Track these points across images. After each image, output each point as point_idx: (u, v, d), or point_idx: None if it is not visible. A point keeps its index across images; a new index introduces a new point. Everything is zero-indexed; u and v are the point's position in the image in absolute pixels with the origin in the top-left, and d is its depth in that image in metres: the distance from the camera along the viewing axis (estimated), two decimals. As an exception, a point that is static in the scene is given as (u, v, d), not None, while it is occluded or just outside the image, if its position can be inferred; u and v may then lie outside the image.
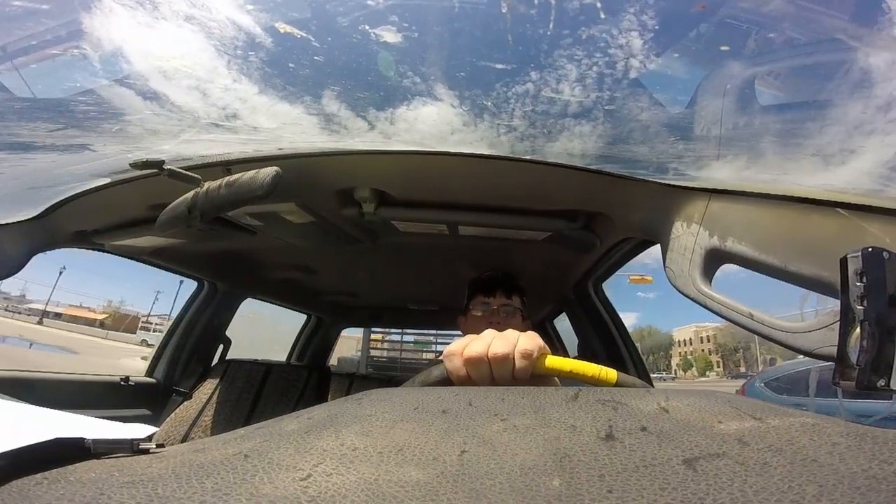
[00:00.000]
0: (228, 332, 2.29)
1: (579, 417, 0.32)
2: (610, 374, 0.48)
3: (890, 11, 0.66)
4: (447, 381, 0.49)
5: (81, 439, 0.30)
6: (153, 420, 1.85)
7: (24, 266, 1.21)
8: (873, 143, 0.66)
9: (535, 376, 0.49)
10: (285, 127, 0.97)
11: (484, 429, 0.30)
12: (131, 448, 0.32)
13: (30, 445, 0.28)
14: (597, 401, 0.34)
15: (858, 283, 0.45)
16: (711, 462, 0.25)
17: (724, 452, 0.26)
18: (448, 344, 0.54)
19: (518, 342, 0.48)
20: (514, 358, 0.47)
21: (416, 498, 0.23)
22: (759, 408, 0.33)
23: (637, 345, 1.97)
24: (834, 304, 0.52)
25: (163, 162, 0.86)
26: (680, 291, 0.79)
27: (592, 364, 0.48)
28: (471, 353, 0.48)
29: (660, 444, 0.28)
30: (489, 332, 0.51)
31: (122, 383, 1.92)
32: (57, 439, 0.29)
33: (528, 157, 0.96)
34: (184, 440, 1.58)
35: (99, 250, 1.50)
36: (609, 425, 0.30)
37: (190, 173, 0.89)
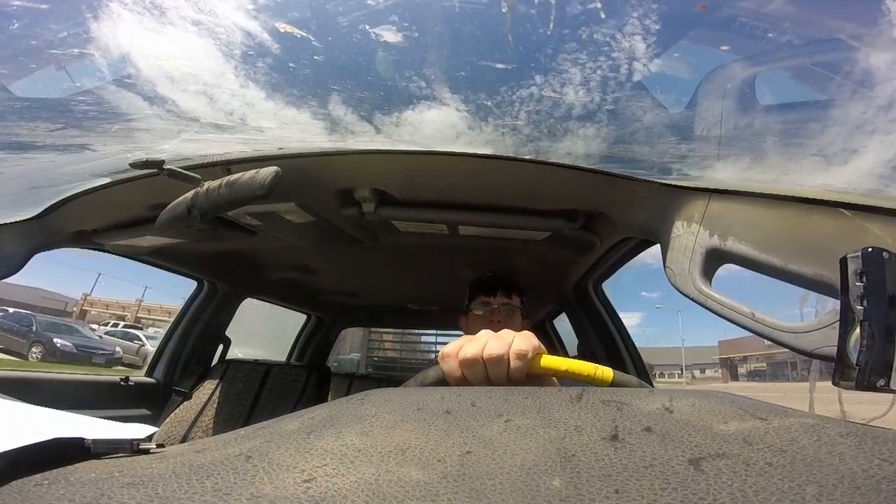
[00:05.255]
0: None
1: (583, 418, 0.32)
2: (606, 372, 0.48)
3: (890, 13, 0.66)
4: (443, 382, 0.49)
5: (81, 439, 0.30)
6: (153, 420, 1.85)
7: (23, 266, 1.21)
8: (875, 142, 0.66)
9: (531, 376, 0.49)
10: (286, 127, 0.97)
11: (487, 429, 0.30)
12: (131, 448, 0.32)
13: (30, 445, 0.28)
14: (600, 401, 0.34)
15: (858, 283, 0.45)
16: (716, 462, 0.25)
17: (728, 452, 0.26)
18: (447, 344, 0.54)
19: (513, 342, 0.48)
20: (508, 358, 0.47)
21: (416, 498, 0.23)
22: (761, 408, 0.33)
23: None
24: (834, 305, 0.52)
25: (163, 162, 0.86)
26: (680, 291, 0.79)
27: (588, 363, 0.48)
28: (466, 355, 0.48)
29: (665, 444, 0.28)
30: (484, 333, 0.51)
31: (122, 383, 1.93)
32: (57, 439, 0.29)
33: (527, 157, 0.96)
34: (183, 440, 1.58)
35: (99, 250, 1.50)
36: (614, 426, 0.30)
37: (190, 173, 0.89)
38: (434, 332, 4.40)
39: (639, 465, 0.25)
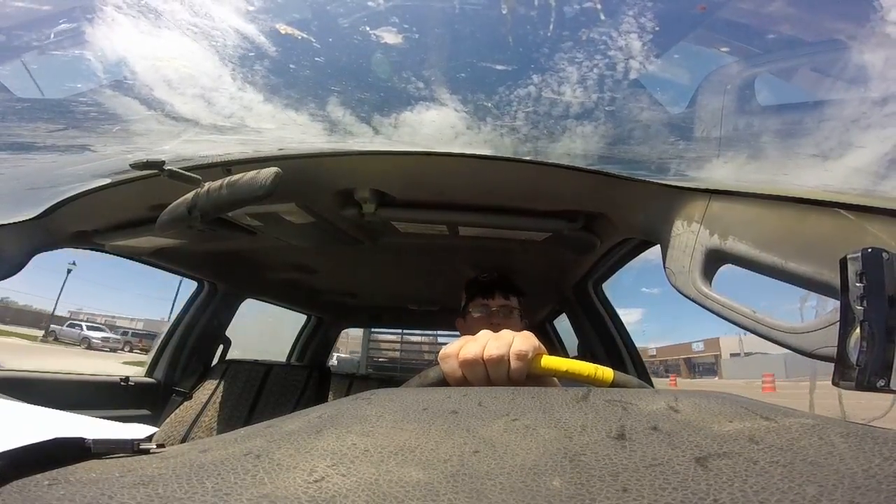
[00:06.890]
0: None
1: (589, 418, 0.32)
2: (606, 373, 0.48)
3: (883, 9, 0.66)
4: (444, 382, 0.49)
5: (82, 439, 0.30)
6: (153, 420, 1.85)
7: (24, 266, 1.22)
8: (870, 137, 0.66)
9: (532, 377, 0.49)
10: (286, 128, 0.97)
11: (493, 429, 0.30)
12: (132, 448, 0.32)
13: (30, 445, 0.28)
14: (606, 401, 0.35)
15: (858, 284, 0.45)
16: (720, 461, 0.25)
17: (732, 452, 0.26)
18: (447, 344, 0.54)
19: (513, 343, 0.48)
20: (509, 359, 0.47)
21: (418, 498, 0.23)
22: (764, 408, 0.33)
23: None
24: (834, 305, 0.52)
25: (163, 162, 0.86)
26: (680, 292, 0.79)
27: (589, 363, 0.48)
28: (466, 355, 0.48)
29: (671, 443, 0.28)
30: (484, 334, 0.51)
31: (123, 383, 1.92)
32: (57, 439, 0.29)
33: (527, 158, 0.96)
34: (184, 440, 1.58)
35: (99, 250, 1.50)
36: (620, 425, 0.30)
37: (190, 174, 0.89)
38: (434, 332, 4.40)
39: (645, 463, 0.25)
